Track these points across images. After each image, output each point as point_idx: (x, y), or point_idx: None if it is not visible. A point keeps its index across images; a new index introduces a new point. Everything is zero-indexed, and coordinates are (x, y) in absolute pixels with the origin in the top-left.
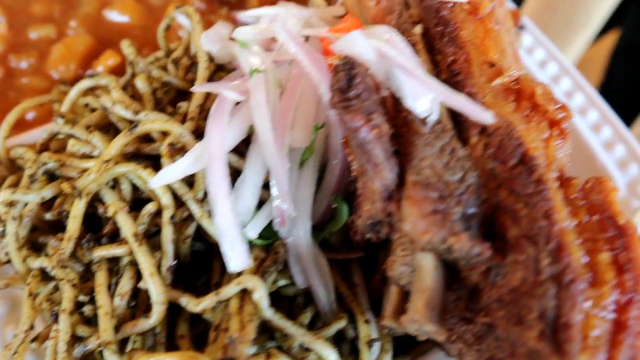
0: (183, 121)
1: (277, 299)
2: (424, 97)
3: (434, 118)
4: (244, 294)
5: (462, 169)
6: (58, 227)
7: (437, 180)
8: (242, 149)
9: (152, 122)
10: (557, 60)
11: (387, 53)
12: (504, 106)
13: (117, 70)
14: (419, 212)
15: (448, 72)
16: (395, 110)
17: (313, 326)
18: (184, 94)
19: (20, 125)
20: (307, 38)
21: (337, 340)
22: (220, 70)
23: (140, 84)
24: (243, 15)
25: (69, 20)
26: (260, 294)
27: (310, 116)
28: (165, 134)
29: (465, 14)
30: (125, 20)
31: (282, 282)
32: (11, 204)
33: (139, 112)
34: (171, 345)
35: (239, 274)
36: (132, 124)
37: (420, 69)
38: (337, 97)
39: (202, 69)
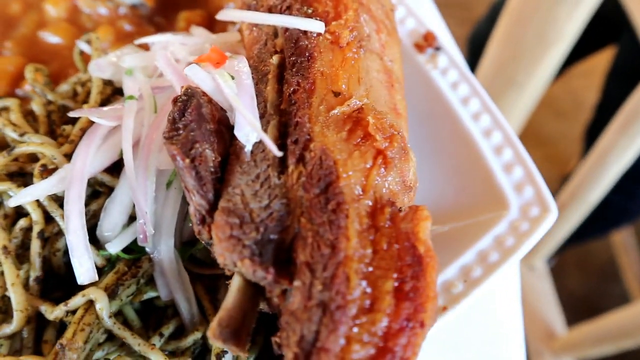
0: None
1: (152, 310)
2: (246, 127)
3: (249, 148)
4: (90, 305)
5: (269, 197)
6: None
7: (243, 207)
8: None
9: (27, 144)
10: (468, 81)
11: (220, 84)
12: (330, 136)
13: None
14: (219, 236)
15: (287, 101)
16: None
17: (179, 336)
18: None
19: None
20: None
21: (204, 352)
22: (119, 93)
23: (35, 107)
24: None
25: (5, 41)
26: (101, 305)
27: None
28: None
29: (327, 43)
30: (58, 41)
31: (151, 294)
32: None
33: (24, 134)
34: (39, 349)
35: (88, 286)
36: (19, 136)
37: (249, 100)
38: (167, 127)
39: (94, 94)
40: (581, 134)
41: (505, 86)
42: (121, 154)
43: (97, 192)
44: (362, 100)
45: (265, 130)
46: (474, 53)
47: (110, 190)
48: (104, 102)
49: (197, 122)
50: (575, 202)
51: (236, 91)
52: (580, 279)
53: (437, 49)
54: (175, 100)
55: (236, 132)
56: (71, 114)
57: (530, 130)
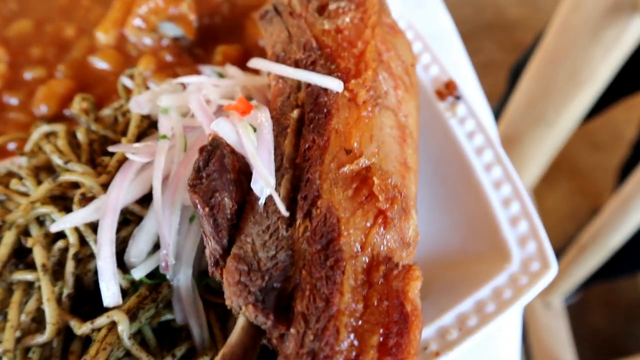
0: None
1: (167, 330)
2: (261, 182)
3: (262, 202)
4: (113, 325)
5: (277, 248)
6: None
7: (252, 255)
8: None
9: (71, 173)
10: (483, 132)
11: (242, 138)
12: (338, 193)
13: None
14: (228, 281)
15: (302, 156)
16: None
17: (190, 358)
18: None
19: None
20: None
21: None
22: (155, 126)
23: (80, 136)
24: (203, 68)
25: (58, 64)
26: (122, 327)
27: None
28: None
29: (345, 100)
30: (105, 67)
31: (168, 316)
32: None
33: (68, 162)
34: (66, 358)
35: (112, 307)
36: (64, 163)
37: (267, 155)
38: (192, 175)
39: (132, 127)
40: (616, 168)
41: (534, 122)
42: (151, 188)
43: (127, 220)
44: (370, 159)
45: (279, 184)
46: (513, 84)
47: (139, 219)
48: (141, 135)
49: (218, 172)
50: (596, 246)
51: (256, 144)
52: (606, 318)
53: (458, 97)
54: (201, 150)
55: (252, 185)
56: (110, 149)
57: (564, 162)
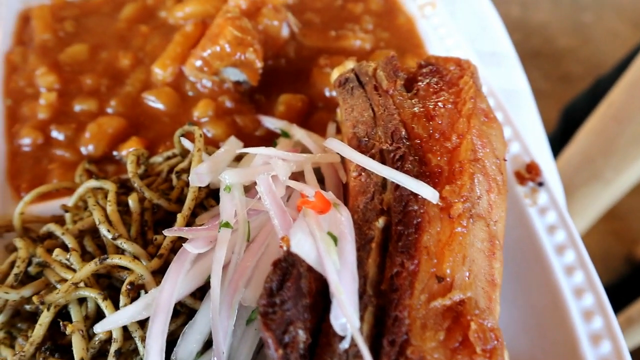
0: (157, 251)
1: None
2: (344, 319)
3: (346, 345)
4: None
5: None
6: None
7: None
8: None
9: (120, 258)
10: (566, 228)
11: (324, 261)
12: (430, 338)
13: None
14: None
15: (388, 284)
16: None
17: None
18: (173, 214)
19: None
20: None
21: None
22: (212, 195)
23: (131, 203)
24: (265, 120)
25: (111, 97)
26: None
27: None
28: None
29: (437, 210)
30: (160, 107)
31: None
32: None
33: (117, 238)
34: None
35: None
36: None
37: (351, 283)
38: (264, 299)
39: (189, 200)
40: None
41: (589, 179)
42: (207, 279)
43: (177, 311)
44: (465, 292)
45: (361, 317)
46: (565, 125)
47: (189, 310)
48: (197, 205)
49: (294, 298)
50: None
51: (339, 267)
52: None
53: (540, 184)
54: (275, 264)
55: (332, 320)
56: (166, 233)
57: None
